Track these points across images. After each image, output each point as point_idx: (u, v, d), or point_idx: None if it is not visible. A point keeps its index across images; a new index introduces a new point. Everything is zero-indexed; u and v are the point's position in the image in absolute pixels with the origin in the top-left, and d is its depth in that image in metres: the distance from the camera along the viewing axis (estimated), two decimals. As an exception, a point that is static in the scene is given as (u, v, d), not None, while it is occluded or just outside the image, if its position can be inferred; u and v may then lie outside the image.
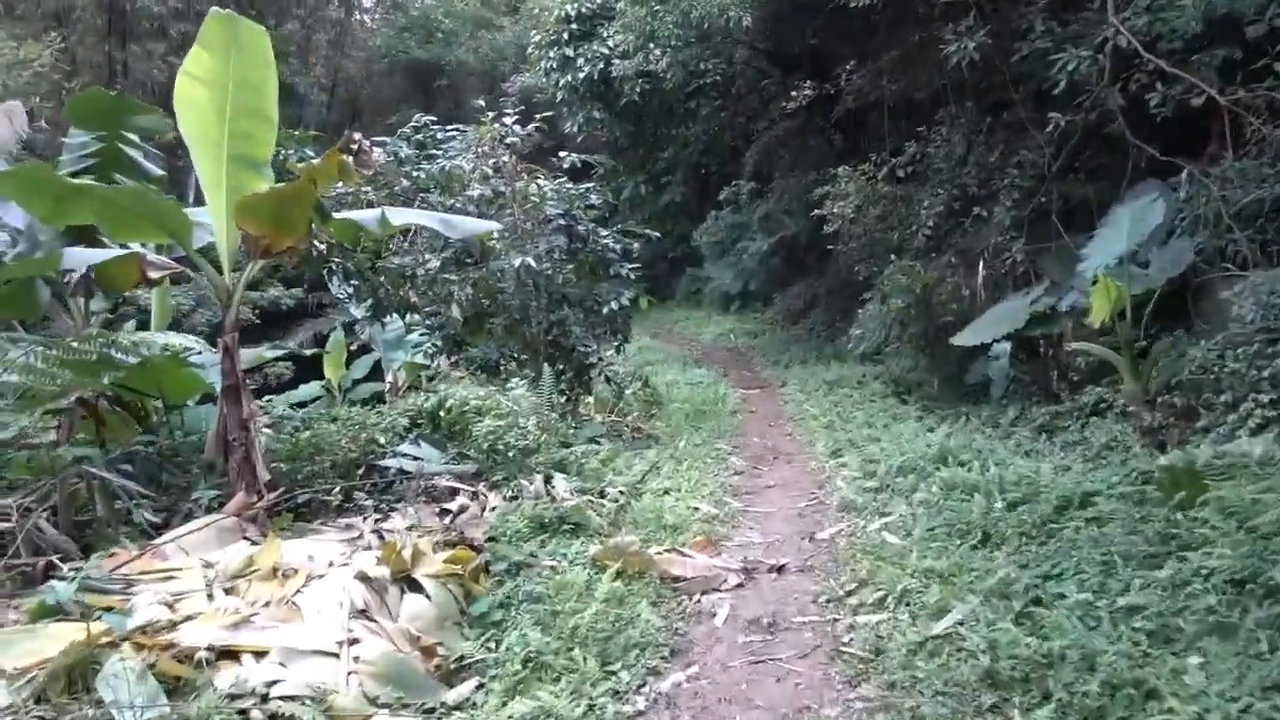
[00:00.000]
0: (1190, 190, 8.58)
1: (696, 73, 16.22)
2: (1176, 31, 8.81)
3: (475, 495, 7.56)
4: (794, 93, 12.74)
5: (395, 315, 11.81)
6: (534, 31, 20.24)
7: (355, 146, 6.55)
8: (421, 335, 11.64)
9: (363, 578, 5.05)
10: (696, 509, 7.74)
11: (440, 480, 7.81)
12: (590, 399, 12.42)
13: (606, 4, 18.47)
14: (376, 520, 6.85)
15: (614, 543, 6.25)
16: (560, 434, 9.32)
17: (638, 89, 17.83)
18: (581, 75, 18.34)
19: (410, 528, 6.82)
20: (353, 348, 14.33)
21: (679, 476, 8.75)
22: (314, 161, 6.38)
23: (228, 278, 6.85)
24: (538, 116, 10.91)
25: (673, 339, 21.82)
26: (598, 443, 9.96)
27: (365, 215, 7.01)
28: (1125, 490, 6.68)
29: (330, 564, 5.41)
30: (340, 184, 8.40)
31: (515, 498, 7.41)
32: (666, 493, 8.21)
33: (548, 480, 7.68)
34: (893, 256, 11.00)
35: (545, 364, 10.31)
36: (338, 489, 7.35)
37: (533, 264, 9.63)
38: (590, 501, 7.52)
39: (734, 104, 18.68)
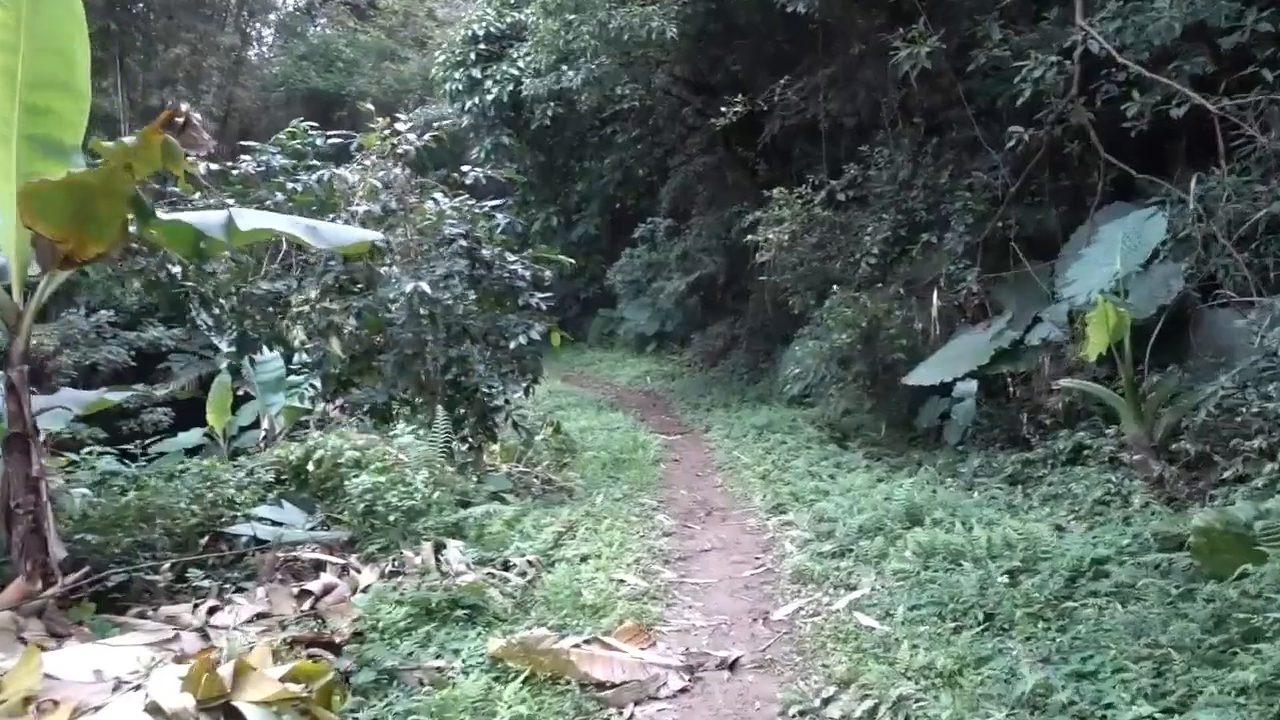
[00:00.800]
0: (1172, 211, 7.54)
1: (612, 97, 15.00)
2: (1145, 40, 7.84)
3: (345, 570, 6.00)
4: (719, 113, 11.51)
5: (270, 351, 10.22)
6: (439, 53, 18.79)
7: (181, 120, 5.02)
8: (300, 375, 10.02)
9: (155, 710, 3.47)
10: (622, 581, 6.29)
11: (304, 551, 6.23)
12: (495, 447, 10.95)
13: (517, 23, 17.16)
14: (213, 608, 5.25)
15: (520, 637, 4.76)
16: (457, 490, 7.81)
17: (549, 111, 16.48)
18: (490, 98, 16.93)
19: (257, 616, 5.24)
20: (239, 392, 12.55)
21: (598, 539, 7.29)
22: (125, 140, 4.82)
23: (16, 294, 5.22)
24: (435, 125, 9.48)
25: (585, 382, 20.38)
26: (503, 499, 8.45)
27: (205, 218, 5.46)
28: (1144, 558, 5.48)
29: (117, 686, 3.82)
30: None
31: (396, 573, 5.87)
32: (584, 560, 6.75)
33: (438, 550, 6.15)
34: (834, 288, 9.82)
35: (442, 407, 8.80)
36: (166, 566, 5.72)
37: (427, 290, 8.15)
38: (491, 576, 6.02)
39: (651, 134, 17.51)
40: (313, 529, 6.51)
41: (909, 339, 9.25)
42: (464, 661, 4.69)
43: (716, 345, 19.27)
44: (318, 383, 9.14)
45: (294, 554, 6.16)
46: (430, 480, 7.06)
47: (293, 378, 11.34)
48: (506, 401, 9.24)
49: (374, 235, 5.91)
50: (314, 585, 5.61)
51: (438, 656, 4.81)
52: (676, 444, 12.65)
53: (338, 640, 4.76)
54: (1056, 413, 7.72)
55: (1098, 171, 8.86)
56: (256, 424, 12.26)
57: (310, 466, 6.98)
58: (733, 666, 4.95)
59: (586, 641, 5.07)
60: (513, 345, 8.84)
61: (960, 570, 5.67)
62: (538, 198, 18.34)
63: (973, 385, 8.20)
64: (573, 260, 9.89)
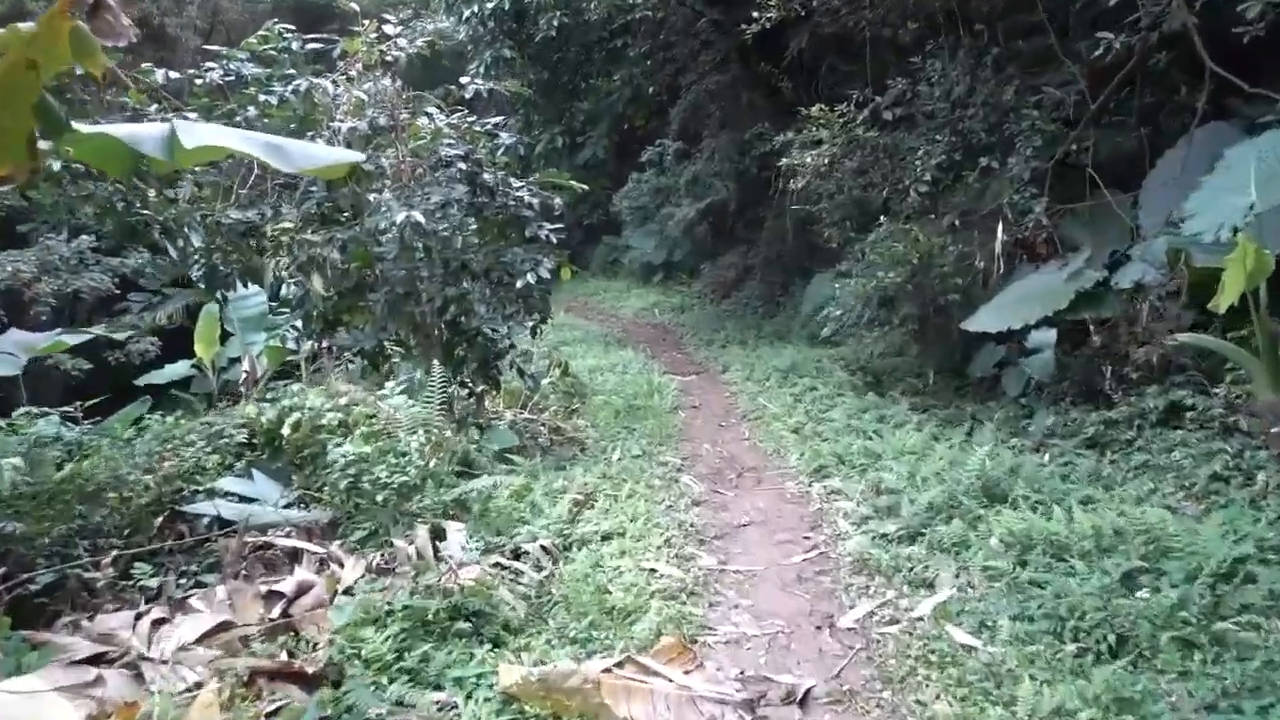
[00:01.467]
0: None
1: (623, 5, 13.62)
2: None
3: (325, 562, 4.97)
4: (737, 26, 10.20)
5: (247, 287, 9.12)
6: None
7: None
8: (282, 314, 8.92)
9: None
10: (653, 571, 5.28)
11: (277, 535, 5.19)
12: (499, 392, 9.92)
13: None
14: (159, 619, 4.22)
15: (540, 672, 3.73)
16: (458, 453, 6.76)
17: (555, 21, 15.07)
18: (489, 6, 15.47)
19: (216, 629, 4.23)
20: (229, 324, 11.46)
21: (620, 511, 6.28)
22: (21, 27, 3.64)
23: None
24: (430, 28, 8.21)
25: (590, 314, 19.24)
26: (509, 460, 7.41)
27: (140, 132, 4.27)
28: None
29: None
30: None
31: (386, 568, 4.84)
32: (607, 539, 5.75)
33: (436, 536, 5.11)
34: (881, 219, 8.65)
35: (441, 354, 7.73)
36: (109, 559, 4.69)
37: (421, 220, 6.98)
38: (500, 568, 4.99)
39: (663, 49, 16.08)
40: (288, 506, 5.47)
41: (964, 278, 8.13)
42: (471, 700, 3.68)
43: (728, 276, 18.10)
44: (299, 323, 8.02)
45: (265, 539, 5.12)
46: (426, 446, 6.00)
47: (276, 317, 10.27)
48: (511, 345, 8.14)
49: (355, 156, 4.75)
50: (286, 585, 4.59)
51: (437, 688, 3.81)
52: (693, 387, 11.58)
53: (310, 671, 3.73)
54: (1146, 366, 6.64)
55: (1187, 87, 7.66)
56: (249, 355, 11.28)
57: (286, 430, 5.90)
58: (803, 702, 3.94)
59: (619, 664, 4.06)
60: (519, 284, 7.70)
61: (1067, 569, 4.65)
62: (541, 118, 16.95)
63: (1050, 334, 7.09)
64: (584, 185, 8.71)
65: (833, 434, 8.14)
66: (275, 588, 4.55)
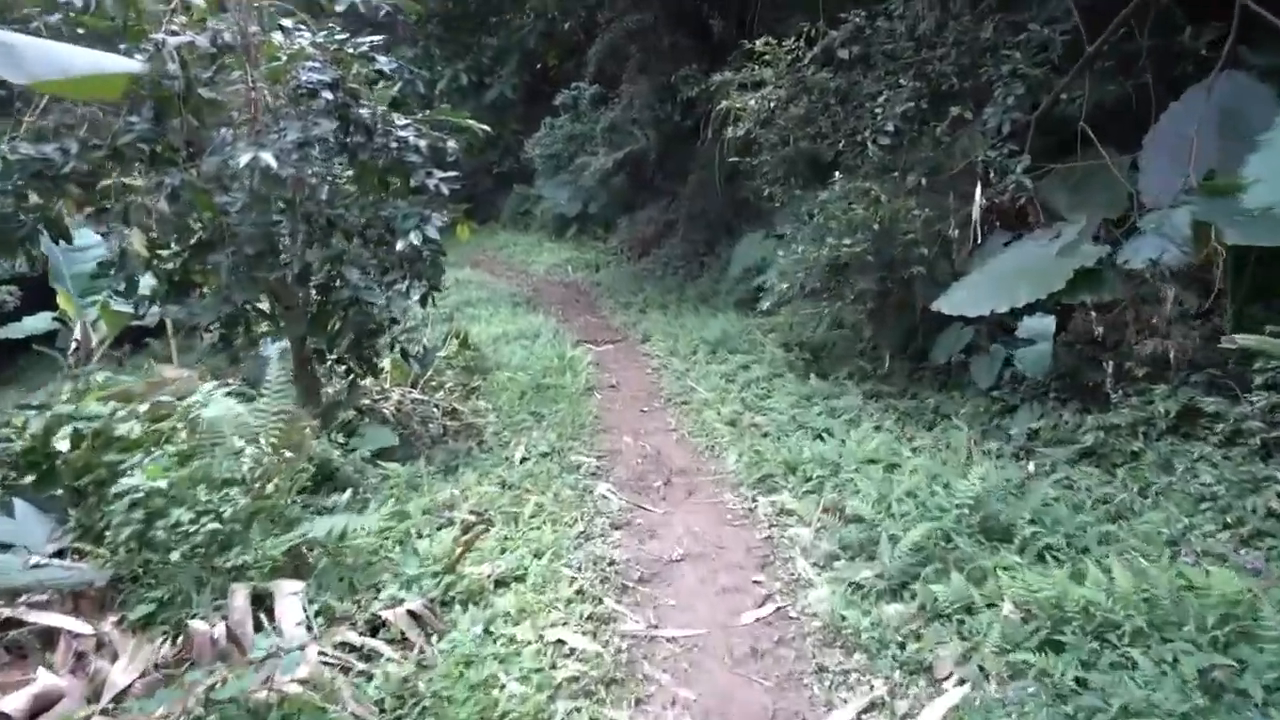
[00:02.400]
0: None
1: (537, -74, 11.93)
2: None
3: (94, 650, 3.45)
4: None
5: (92, 235, 7.43)
6: None
7: None
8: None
9: None
10: (560, 644, 3.89)
11: (25, 607, 3.64)
12: (387, 367, 8.41)
13: None
14: None
15: None
16: (315, 459, 5.26)
17: (458, -59, 13.26)
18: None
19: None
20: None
21: (521, 543, 4.89)
22: None
23: None
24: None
25: (497, 269, 17.59)
26: (380, 465, 5.92)
27: None
28: None
29: None
30: None
31: (183, 659, 3.36)
32: (502, 586, 4.35)
33: (260, 603, 3.63)
34: (836, 175, 7.27)
35: (308, 328, 6.20)
36: None
37: (271, 163, 5.37)
38: (346, 651, 3.54)
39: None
40: (58, 555, 3.90)
41: (931, 247, 6.84)
42: None
43: (648, 232, 16.63)
44: (119, 285, 6.33)
45: (7, 612, 3.57)
46: (264, 462, 4.48)
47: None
48: (393, 320, 6.57)
49: (128, 65, 3.21)
50: (14, 699, 3.07)
51: None
52: (610, 360, 10.16)
53: None
54: (1153, 361, 5.45)
55: (1191, 30, 6.43)
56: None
57: (61, 446, 4.30)
58: None
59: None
60: (400, 245, 6.14)
61: (1119, 659, 3.41)
62: (443, 52, 15.01)
63: (1048, 323, 5.83)
64: (486, 127, 7.16)
65: (776, 429, 6.82)
66: (1, 706, 3.03)
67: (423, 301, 6.95)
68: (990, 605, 3.90)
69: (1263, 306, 5.40)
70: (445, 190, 6.49)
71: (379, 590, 4.09)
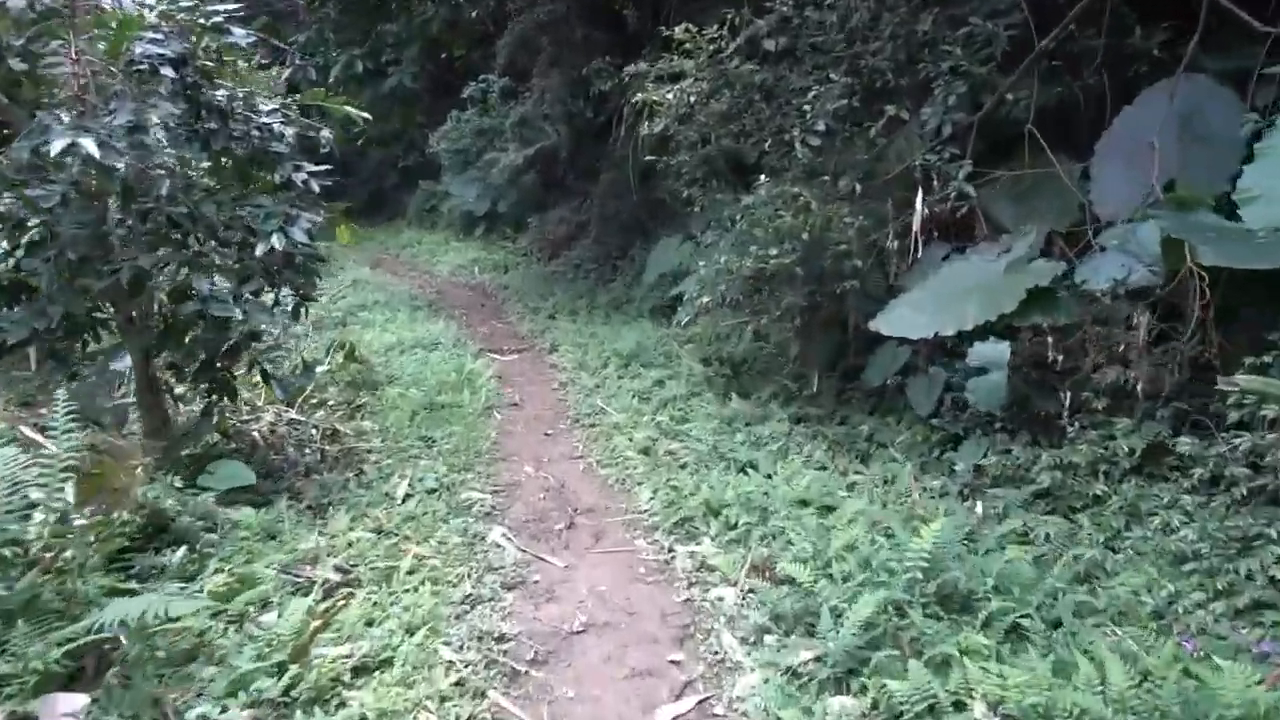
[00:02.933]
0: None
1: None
2: None
3: None
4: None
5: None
6: None
7: None
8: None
9: None
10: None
11: None
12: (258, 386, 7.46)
13: None
14: None
15: None
16: (146, 509, 4.31)
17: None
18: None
19: None
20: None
21: (391, 614, 4.02)
22: None
23: None
24: None
25: (400, 270, 16.49)
26: (232, 510, 4.97)
27: None
28: None
29: None
30: None
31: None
32: (361, 675, 3.49)
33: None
34: (761, 179, 6.51)
35: (155, 344, 5.22)
36: None
37: (94, 151, 4.38)
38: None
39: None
40: None
41: (866, 259, 6.15)
42: None
43: (558, 233, 15.74)
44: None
45: None
46: (60, 523, 3.52)
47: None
48: (253, 336, 5.59)
49: None
50: None
51: None
52: (515, 372, 9.27)
53: None
54: (1118, 391, 4.83)
55: (1141, 29, 5.85)
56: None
57: None
58: None
59: None
60: (260, 249, 5.18)
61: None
62: (339, 37, 13.83)
63: (1002, 350, 5.11)
64: (365, 114, 6.22)
65: (694, 460, 6.05)
66: None
67: (294, 314, 5.99)
68: (958, 704, 3.17)
69: (1226, 330, 4.83)
70: (315, 186, 5.56)
71: (195, 689, 3.19)
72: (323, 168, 5.71)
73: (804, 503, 5.06)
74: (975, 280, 5.42)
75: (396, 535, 5.09)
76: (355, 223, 22.16)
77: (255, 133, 5.48)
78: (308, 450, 6.85)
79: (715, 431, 6.54)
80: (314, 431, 7.21)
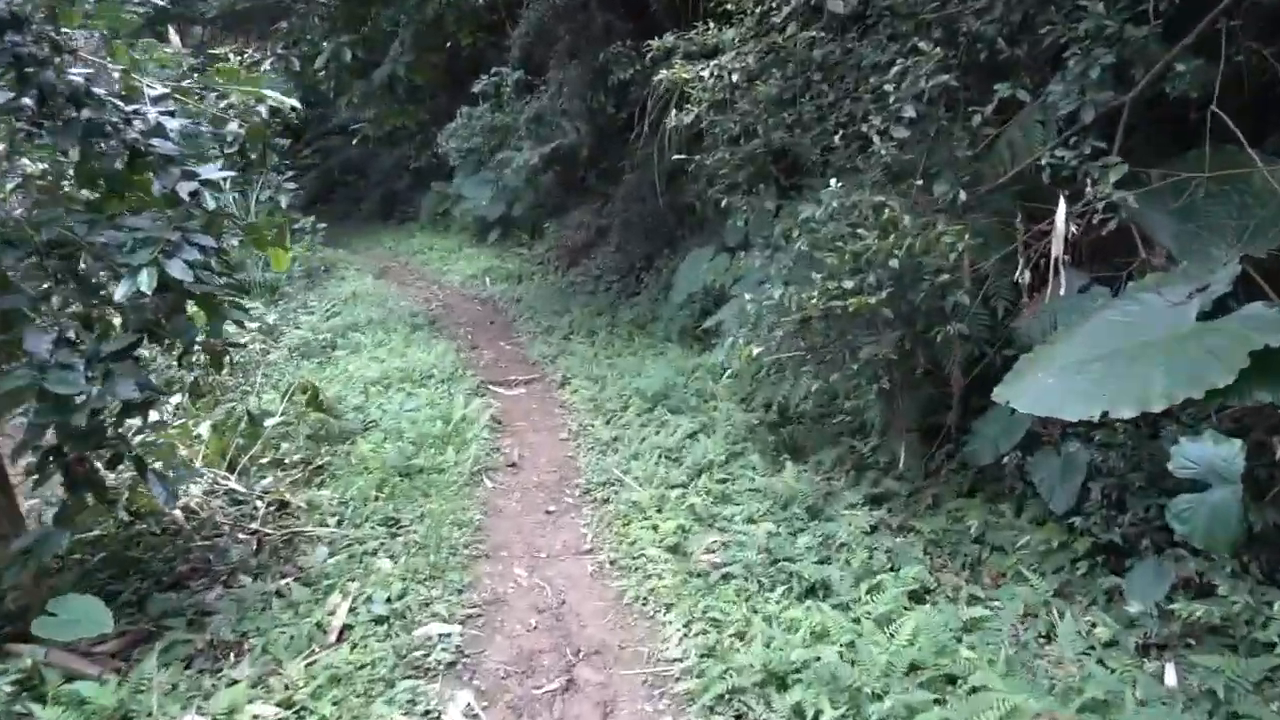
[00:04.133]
0: None
1: None
2: None
3: None
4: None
5: None
6: None
7: None
8: None
9: None
10: None
11: None
12: (203, 431, 5.88)
13: None
14: None
15: None
16: None
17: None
18: None
19: None
20: None
21: None
22: None
23: None
24: None
25: (407, 280, 14.79)
26: (71, 673, 3.30)
27: None
28: None
29: None
30: None
31: None
32: None
33: None
34: (832, 184, 4.68)
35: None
36: None
37: None
38: None
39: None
40: None
41: (977, 295, 4.37)
42: None
43: (577, 239, 14.02)
44: None
45: None
46: None
47: None
48: (113, 419, 3.89)
49: None
50: None
51: None
52: (518, 414, 7.56)
53: None
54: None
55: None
56: None
57: None
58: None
59: None
60: (121, 291, 3.50)
61: None
62: (326, 24, 11.95)
63: (1230, 454, 3.31)
64: (294, 103, 4.53)
65: (742, 572, 4.30)
66: None
67: (192, 392, 4.32)
68: None
69: None
70: (209, 201, 3.85)
71: None
72: (225, 173, 4.02)
73: (913, 668, 3.32)
74: (1153, 332, 3.62)
75: (318, 703, 3.41)
76: (366, 228, 20.61)
77: (123, 126, 3.80)
78: (242, 535, 5.21)
79: (767, 516, 4.81)
80: (258, 504, 5.58)
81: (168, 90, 4.12)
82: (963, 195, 4.46)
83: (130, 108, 3.80)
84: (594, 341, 9.71)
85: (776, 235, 5.07)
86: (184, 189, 3.76)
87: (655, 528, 4.92)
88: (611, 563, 4.76)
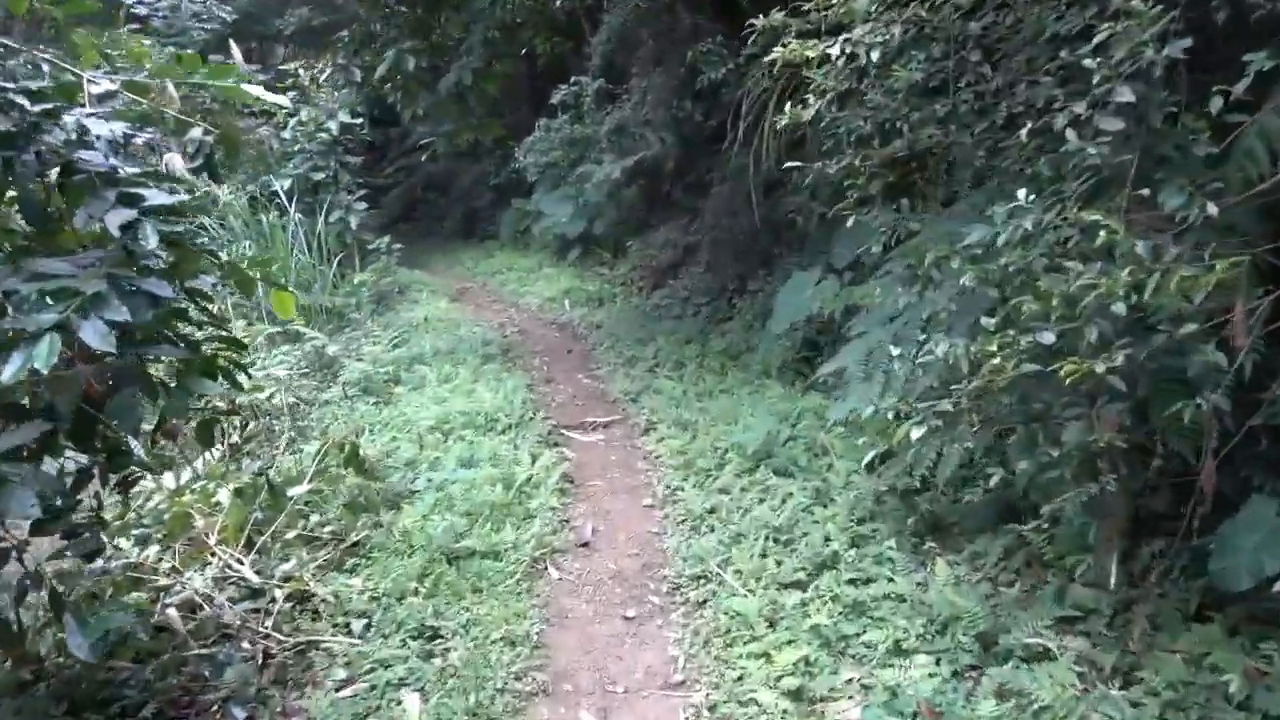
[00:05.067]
0: None
1: None
2: None
3: None
4: None
5: None
6: None
7: None
8: None
9: None
10: None
11: None
12: (219, 520, 4.86)
13: None
14: None
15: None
16: None
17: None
18: None
19: None
20: None
21: None
22: None
23: None
24: None
25: (483, 302, 13.74)
26: None
27: None
28: None
29: None
30: None
31: None
32: None
33: None
34: (1022, 196, 3.35)
35: None
36: None
37: None
38: None
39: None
40: None
41: (1239, 353, 3.02)
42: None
43: (663, 258, 12.78)
44: None
45: None
46: None
47: None
48: (38, 529, 2.80)
49: None
50: None
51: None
52: (592, 471, 6.34)
53: None
54: None
55: None
56: None
57: None
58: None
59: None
60: (7, 372, 2.40)
61: None
62: (389, 31, 10.94)
63: None
64: (283, 101, 3.41)
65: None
66: None
67: (122, 489, 3.20)
68: None
69: None
70: (152, 238, 2.71)
71: None
72: (172, 198, 2.87)
73: None
74: None
75: None
76: (448, 246, 19.68)
77: (34, 133, 2.69)
78: (247, 645, 4.11)
79: (920, 645, 3.49)
80: (276, 593, 4.48)
81: (115, 88, 3.00)
82: (1211, 209, 3.06)
83: (42, 107, 2.68)
84: (682, 375, 8.45)
85: (927, 265, 3.71)
86: (113, 221, 2.62)
87: (768, 657, 3.62)
88: (711, 709, 3.48)
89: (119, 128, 2.77)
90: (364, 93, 10.71)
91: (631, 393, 8.27)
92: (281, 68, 12.66)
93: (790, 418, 6.40)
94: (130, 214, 2.65)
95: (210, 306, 3.36)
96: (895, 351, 3.69)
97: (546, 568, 4.78)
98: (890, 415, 3.76)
